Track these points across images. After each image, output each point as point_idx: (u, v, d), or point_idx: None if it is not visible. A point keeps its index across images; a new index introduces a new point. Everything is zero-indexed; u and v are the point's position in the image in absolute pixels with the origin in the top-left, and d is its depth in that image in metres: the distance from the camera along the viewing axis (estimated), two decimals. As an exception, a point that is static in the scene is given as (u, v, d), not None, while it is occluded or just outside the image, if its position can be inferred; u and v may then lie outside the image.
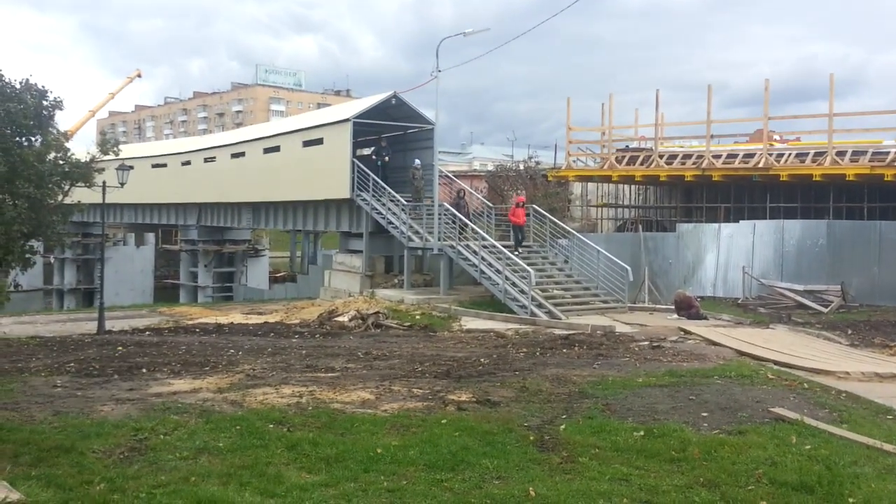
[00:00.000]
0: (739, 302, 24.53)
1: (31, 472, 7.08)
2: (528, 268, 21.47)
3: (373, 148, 29.96)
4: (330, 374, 12.42)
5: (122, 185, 24.83)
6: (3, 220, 13.16)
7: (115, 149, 17.57)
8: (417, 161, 27.23)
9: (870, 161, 25.32)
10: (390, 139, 29.92)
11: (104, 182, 21.78)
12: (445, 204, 25.90)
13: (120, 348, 15.72)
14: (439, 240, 24.25)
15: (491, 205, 28.44)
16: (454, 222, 24.60)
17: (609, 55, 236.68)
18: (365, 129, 29.05)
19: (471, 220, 26.25)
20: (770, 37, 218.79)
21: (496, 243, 23.29)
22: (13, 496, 6.22)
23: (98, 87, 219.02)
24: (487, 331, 18.46)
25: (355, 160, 27.62)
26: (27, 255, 14.56)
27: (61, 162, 15.18)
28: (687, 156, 30.53)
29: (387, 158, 28.84)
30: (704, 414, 9.50)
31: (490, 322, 20.17)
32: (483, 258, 22.86)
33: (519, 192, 38.05)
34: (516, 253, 23.38)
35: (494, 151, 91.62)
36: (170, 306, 33.89)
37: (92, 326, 22.78)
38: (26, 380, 11.90)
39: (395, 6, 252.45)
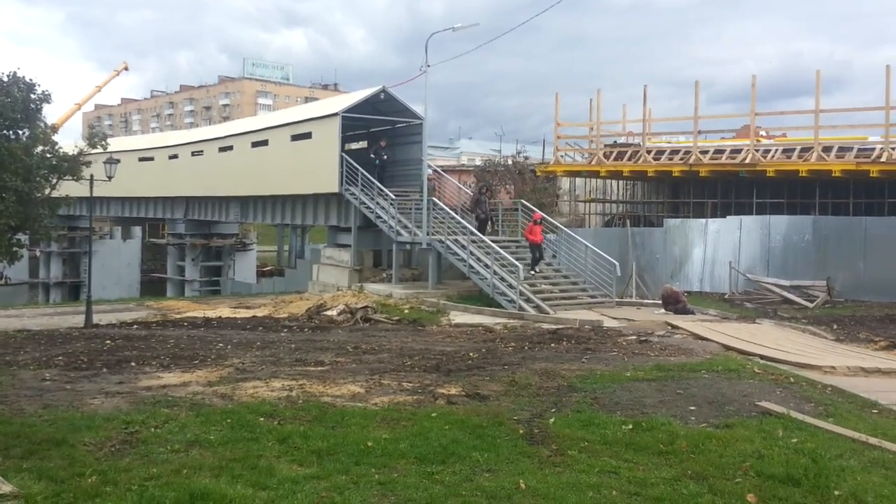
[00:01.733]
0: (726, 297, 24.69)
1: (22, 465, 7.07)
2: (516, 262, 21.52)
3: (368, 144, 30.01)
4: (319, 368, 12.44)
5: (110, 178, 24.67)
6: (-9, 213, 13.14)
7: (104, 142, 17.57)
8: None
9: (855, 157, 25.47)
10: (381, 134, 29.93)
11: (91, 175, 21.66)
12: (434, 199, 25.94)
13: (108, 342, 15.67)
14: (427, 234, 24.29)
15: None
16: (476, 218, 24.82)
17: (597, 51, 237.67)
18: (354, 123, 29.04)
19: (492, 219, 26.20)
20: (756, 33, 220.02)
21: (484, 237, 23.28)
22: (6, 488, 6.22)
23: (85, 79, 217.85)
24: (476, 325, 18.53)
25: (344, 154, 27.64)
26: (14, 249, 14.55)
27: (49, 155, 15.17)
28: (674, 151, 30.68)
29: (385, 157, 29.08)
30: (692, 407, 9.59)
31: (478, 316, 20.23)
32: (471, 252, 22.88)
33: (508, 187, 38.10)
34: (532, 272, 22.90)
35: (482, 146, 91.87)
36: (157, 300, 33.78)
37: (79, 320, 22.66)
38: (15, 373, 11.86)
39: (386, 1, 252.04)
